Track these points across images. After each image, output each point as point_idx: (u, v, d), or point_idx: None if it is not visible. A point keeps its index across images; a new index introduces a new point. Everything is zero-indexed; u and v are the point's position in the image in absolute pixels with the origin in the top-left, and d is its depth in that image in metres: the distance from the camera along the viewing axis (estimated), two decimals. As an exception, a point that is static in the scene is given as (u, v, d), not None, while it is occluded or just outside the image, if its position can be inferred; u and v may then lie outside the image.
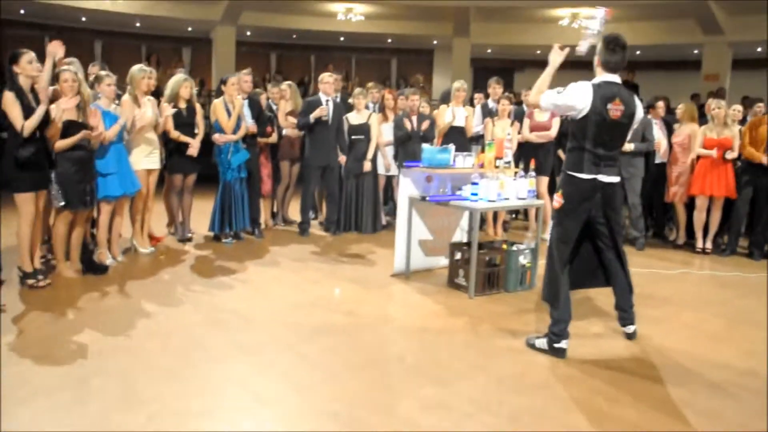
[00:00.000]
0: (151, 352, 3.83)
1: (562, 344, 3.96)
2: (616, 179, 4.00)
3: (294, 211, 7.83)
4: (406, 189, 5.63)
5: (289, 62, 17.66)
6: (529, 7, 13.95)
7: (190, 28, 15.53)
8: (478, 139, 7.76)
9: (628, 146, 6.60)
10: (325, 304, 4.94)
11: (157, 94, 7.05)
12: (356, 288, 5.37)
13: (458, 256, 5.38)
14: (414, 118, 7.35)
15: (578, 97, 3.84)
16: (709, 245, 7.15)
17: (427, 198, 5.36)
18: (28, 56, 4.76)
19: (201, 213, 7.10)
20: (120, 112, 5.61)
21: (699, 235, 7.20)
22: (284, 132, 7.49)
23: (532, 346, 4.07)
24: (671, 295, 5.50)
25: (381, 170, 7.64)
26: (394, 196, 7.64)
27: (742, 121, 7.41)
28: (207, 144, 6.67)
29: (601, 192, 3.94)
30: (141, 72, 5.94)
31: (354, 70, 17.73)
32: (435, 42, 16.98)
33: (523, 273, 5.38)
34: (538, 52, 16.28)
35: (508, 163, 5.51)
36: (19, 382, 3.34)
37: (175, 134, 6.31)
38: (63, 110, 4.86)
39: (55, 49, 4.90)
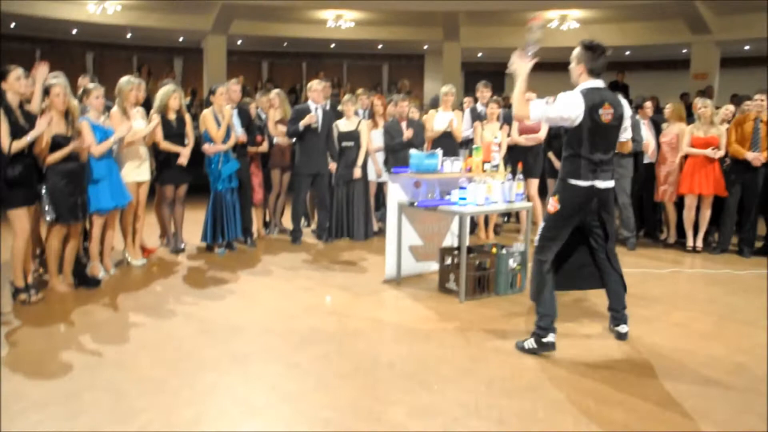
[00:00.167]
0: (142, 364, 3.85)
1: (549, 338, 4.01)
2: (611, 184, 4.07)
3: (288, 219, 7.86)
4: (395, 195, 5.67)
5: (280, 70, 17.71)
6: (518, 10, 14.00)
7: (181, 38, 15.58)
8: (468, 143, 7.80)
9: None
10: (316, 311, 4.96)
11: (148, 104, 7.09)
12: (347, 295, 5.39)
13: (448, 260, 5.41)
14: (403, 124, 7.39)
15: (571, 108, 3.87)
16: (699, 243, 7.19)
17: (416, 203, 5.40)
18: (16, 73, 4.78)
19: (193, 224, 7.12)
20: (109, 125, 5.63)
21: (689, 233, 7.24)
22: (275, 140, 7.52)
23: (522, 349, 4.10)
24: (662, 294, 5.54)
25: (372, 177, 7.67)
26: (386, 203, 7.66)
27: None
28: (198, 154, 6.70)
29: (597, 197, 4.01)
30: (129, 84, 5.96)
31: (346, 76, 17.79)
32: (425, 47, 17.05)
33: (514, 276, 5.41)
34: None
35: (496, 166, 5.54)
36: (11, 397, 3.36)
37: (164, 145, 6.33)
38: (48, 125, 4.85)
39: (42, 72, 4.93)
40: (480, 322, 4.69)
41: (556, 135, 7.10)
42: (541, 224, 4.19)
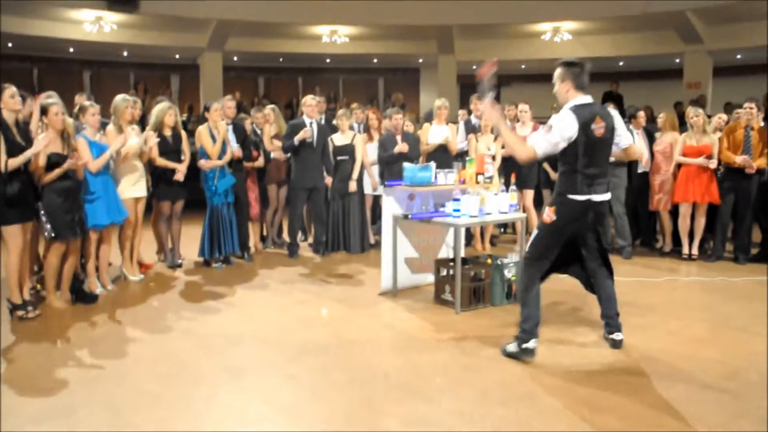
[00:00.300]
0: (139, 378, 3.87)
1: (530, 344, 4.06)
2: (608, 196, 4.13)
3: (287, 233, 7.89)
4: (390, 207, 5.71)
5: (276, 85, 17.82)
6: (511, 23, 14.15)
7: (177, 55, 15.70)
8: (464, 155, 7.84)
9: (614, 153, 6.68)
10: (312, 324, 4.98)
11: (144, 121, 7.14)
12: (343, 308, 5.41)
13: (444, 272, 5.44)
14: (398, 138, 7.45)
15: (567, 130, 3.92)
16: (695, 251, 7.22)
17: (410, 216, 5.43)
18: (10, 91, 4.84)
19: (190, 239, 7.15)
20: (106, 142, 5.68)
21: (685, 241, 7.28)
22: (272, 155, 7.57)
23: (504, 352, 4.17)
24: (657, 302, 5.55)
25: (368, 190, 7.71)
26: (382, 215, 7.70)
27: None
28: (194, 170, 6.75)
29: (594, 211, 4.07)
30: (124, 102, 6.02)
31: (342, 90, 17.90)
32: (420, 60, 17.18)
33: (509, 287, 5.43)
34: (523, 66, 16.54)
35: (490, 178, 5.58)
36: (8, 412, 3.38)
37: (160, 161, 6.38)
38: (44, 145, 4.90)
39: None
40: (475, 332, 4.71)
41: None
42: (534, 231, 4.23)
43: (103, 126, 5.86)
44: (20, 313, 5.00)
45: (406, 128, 7.61)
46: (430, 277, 5.88)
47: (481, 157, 5.68)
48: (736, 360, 4.14)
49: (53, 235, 5.06)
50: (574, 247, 4.25)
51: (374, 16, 13.69)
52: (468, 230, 7.40)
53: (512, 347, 4.14)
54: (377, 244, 7.73)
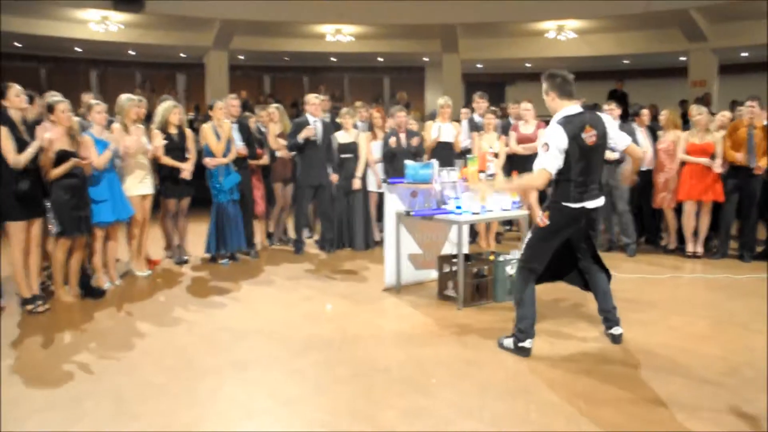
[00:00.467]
0: (144, 370, 3.94)
1: (526, 343, 4.11)
2: (601, 202, 4.18)
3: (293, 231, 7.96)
4: (392, 204, 5.75)
5: (282, 84, 17.90)
6: (515, 22, 14.17)
7: (183, 54, 15.78)
8: (468, 152, 7.88)
9: (612, 155, 6.71)
10: (317, 319, 5.04)
11: (149, 119, 7.21)
12: (347, 303, 5.47)
13: (447, 268, 5.48)
14: (402, 135, 7.49)
15: (559, 141, 3.94)
16: (699, 249, 7.21)
17: (412, 213, 5.48)
18: (15, 90, 4.92)
19: (197, 235, 7.22)
20: (111, 140, 5.75)
21: (689, 239, 7.28)
22: (278, 154, 7.62)
23: (501, 346, 4.23)
24: (660, 299, 5.56)
25: (373, 187, 7.75)
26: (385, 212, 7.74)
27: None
28: (200, 167, 6.82)
29: (586, 217, 4.14)
30: (129, 101, 6.09)
31: (347, 89, 17.95)
32: (425, 59, 17.21)
33: (511, 283, 5.46)
34: (528, 65, 16.56)
35: (492, 175, 5.62)
36: (16, 402, 3.46)
37: (165, 160, 6.45)
38: (52, 140, 4.98)
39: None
40: (477, 327, 4.75)
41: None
42: (528, 234, 4.29)
43: (109, 124, 5.94)
44: (30, 307, 5.09)
45: (410, 126, 7.65)
46: (433, 274, 5.92)
47: (483, 154, 5.72)
48: (737, 356, 4.16)
49: (59, 230, 5.13)
50: (568, 250, 4.30)
51: (379, 15, 13.76)
52: (472, 227, 7.43)
53: (509, 342, 4.20)
54: (382, 241, 7.77)
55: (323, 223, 7.60)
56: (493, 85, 17.11)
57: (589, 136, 3.98)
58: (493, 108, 7.76)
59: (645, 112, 7.76)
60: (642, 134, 7.53)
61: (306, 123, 7.22)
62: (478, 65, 16.91)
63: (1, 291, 5.32)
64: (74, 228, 5.23)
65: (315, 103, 7.30)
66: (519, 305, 4.18)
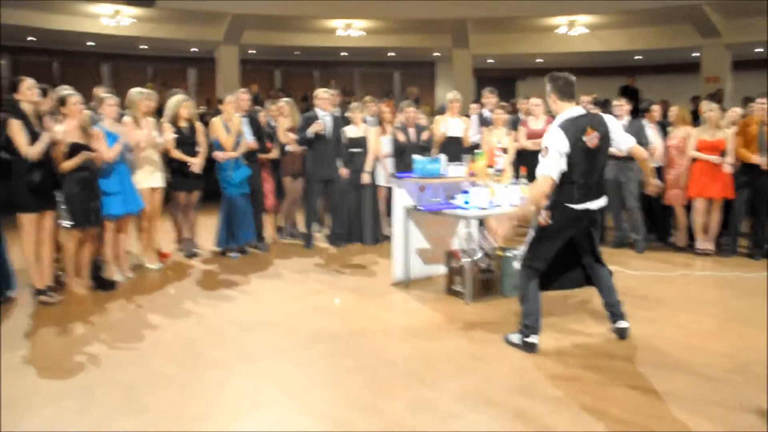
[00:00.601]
0: (154, 361, 3.99)
1: (532, 339, 4.13)
2: (603, 202, 4.19)
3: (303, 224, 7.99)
4: (401, 199, 5.77)
5: (293, 78, 17.92)
6: (526, 17, 14.11)
7: (194, 49, 15.83)
8: (477, 147, 7.87)
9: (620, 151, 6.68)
10: (325, 313, 5.07)
11: (160, 113, 7.26)
12: (356, 297, 5.50)
13: (455, 263, 5.50)
14: (411, 130, 7.50)
15: (560, 145, 3.95)
16: (709, 246, 7.17)
17: (420, 207, 5.49)
18: (27, 83, 4.98)
19: (208, 229, 7.28)
20: (122, 133, 5.81)
21: (698, 237, 7.24)
22: (288, 148, 7.65)
23: (508, 341, 4.26)
24: (668, 296, 5.54)
25: (382, 182, 7.77)
26: (393, 207, 7.75)
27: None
28: (211, 161, 6.87)
29: (588, 218, 4.15)
30: (139, 94, 6.14)
31: (357, 84, 17.95)
32: (436, 54, 17.18)
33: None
34: (539, 60, 16.48)
35: (500, 170, 5.62)
36: (29, 391, 3.54)
37: (175, 153, 6.50)
38: (66, 132, 5.04)
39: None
40: (484, 322, 4.77)
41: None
42: (530, 233, 4.30)
43: (120, 117, 5.99)
44: (43, 298, 5.17)
45: (419, 121, 7.65)
46: (442, 268, 5.93)
47: (491, 150, 5.73)
48: (743, 354, 4.15)
49: (71, 223, 5.20)
50: (570, 249, 4.30)
51: (389, 10, 13.74)
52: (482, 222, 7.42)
53: (515, 338, 4.23)
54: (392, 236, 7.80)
55: (334, 218, 7.64)
56: (504, 81, 17.07)
57: (590, 139, 3.98)
58: (502, 103, 7.75)
59: (655, 108, 7.72)
60: (652, 130, 7.50)
61: (315, 117, 7.24)
62: (489, 60, 16.85)
63: (15, 282, 5.39)
64: (85, 220, 5.29)
65: (325, 98, 7.32)
66: (523, 302, 4.21)
